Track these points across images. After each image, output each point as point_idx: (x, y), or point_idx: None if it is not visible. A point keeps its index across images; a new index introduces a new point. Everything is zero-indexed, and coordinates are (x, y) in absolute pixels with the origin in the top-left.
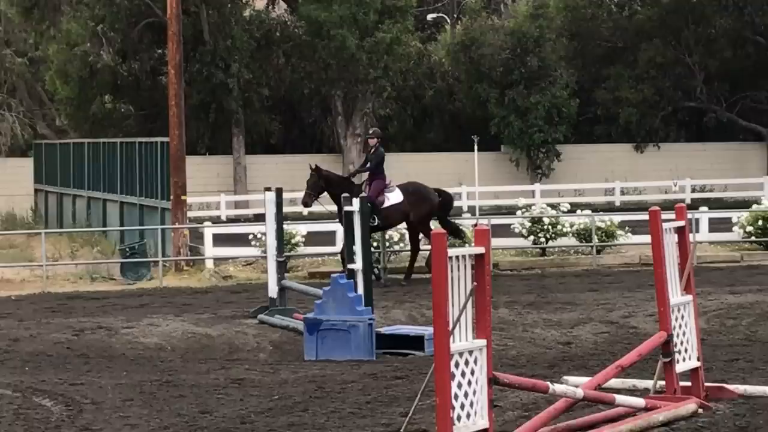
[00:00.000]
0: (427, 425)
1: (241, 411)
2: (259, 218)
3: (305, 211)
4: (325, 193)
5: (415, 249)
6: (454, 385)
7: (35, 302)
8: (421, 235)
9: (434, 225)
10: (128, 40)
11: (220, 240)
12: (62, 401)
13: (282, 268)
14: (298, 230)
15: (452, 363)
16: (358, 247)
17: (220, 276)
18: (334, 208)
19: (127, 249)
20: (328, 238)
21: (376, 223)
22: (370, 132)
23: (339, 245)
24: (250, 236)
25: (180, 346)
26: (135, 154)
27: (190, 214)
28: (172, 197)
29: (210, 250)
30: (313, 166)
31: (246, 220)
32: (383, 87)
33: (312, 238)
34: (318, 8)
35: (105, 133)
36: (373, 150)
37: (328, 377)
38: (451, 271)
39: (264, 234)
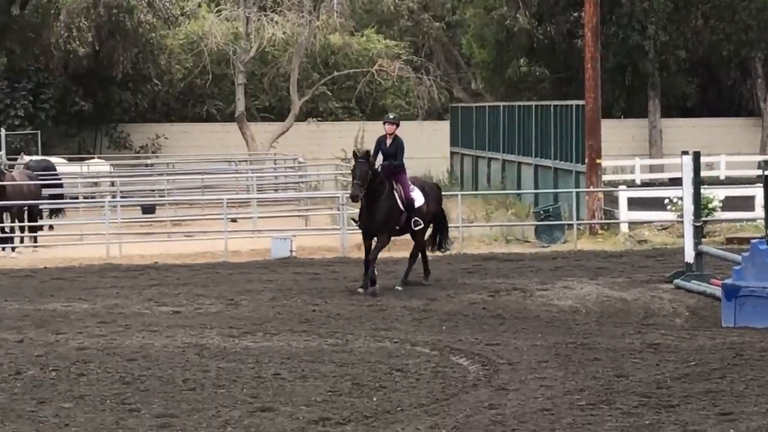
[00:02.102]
0: None
1: (657, 376)
2: (675, 182)
3: (722, 175)
4: None
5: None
6: None
7: (451, 263)
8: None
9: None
10: (544, 3)
11: (634, 204)
12: (478, 360)
13: (699, 233)
14: (716, 195)
15: None
16: None
17: (635, 240)
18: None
19: (542, 212)
20: (746, 202)
21: (422, 226)
22: (391, 117)
23: (759, 211)
24: (666, 200)
25: (594, 309)
26: (550, 117)
27: (604, 177)
28: (586, 160)
29: (625, 213)
30: (361, 152)
31: (661, 184)
32: None
33: (730, 203)
34: None
35: (520, 97)
36: (392, 140)
37: (747, 344)
38: None
39: (680, 198)
